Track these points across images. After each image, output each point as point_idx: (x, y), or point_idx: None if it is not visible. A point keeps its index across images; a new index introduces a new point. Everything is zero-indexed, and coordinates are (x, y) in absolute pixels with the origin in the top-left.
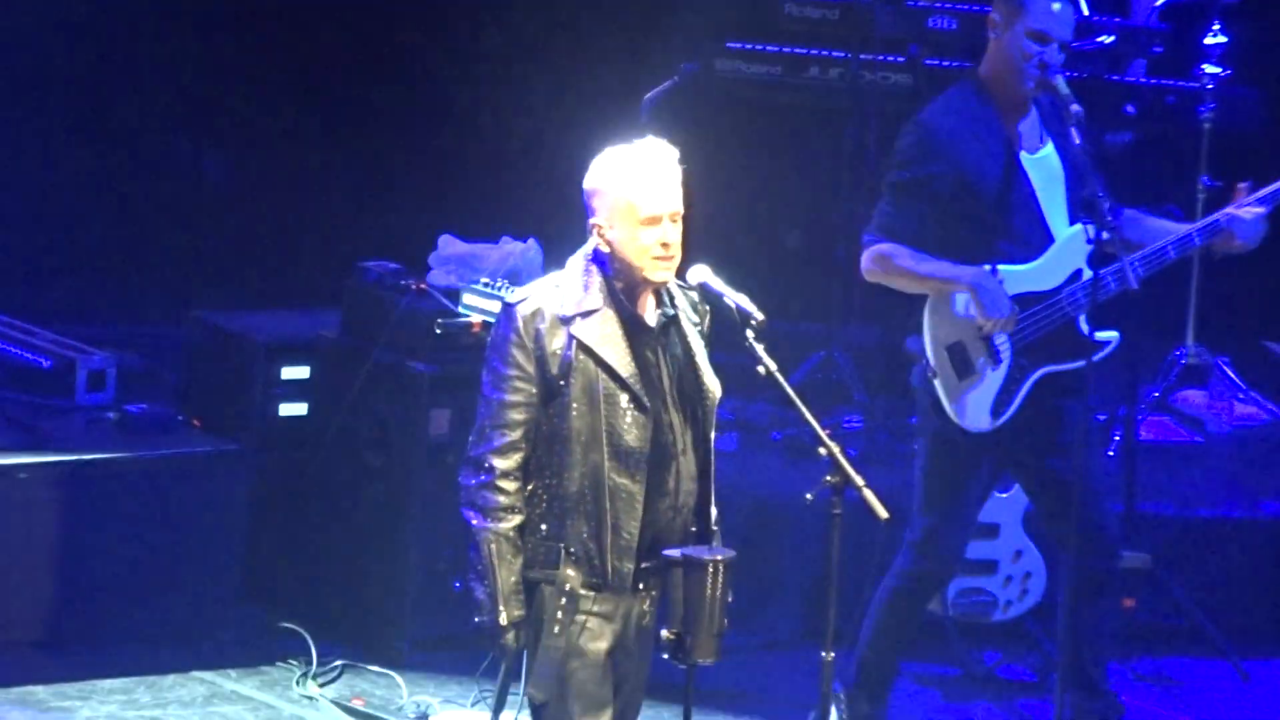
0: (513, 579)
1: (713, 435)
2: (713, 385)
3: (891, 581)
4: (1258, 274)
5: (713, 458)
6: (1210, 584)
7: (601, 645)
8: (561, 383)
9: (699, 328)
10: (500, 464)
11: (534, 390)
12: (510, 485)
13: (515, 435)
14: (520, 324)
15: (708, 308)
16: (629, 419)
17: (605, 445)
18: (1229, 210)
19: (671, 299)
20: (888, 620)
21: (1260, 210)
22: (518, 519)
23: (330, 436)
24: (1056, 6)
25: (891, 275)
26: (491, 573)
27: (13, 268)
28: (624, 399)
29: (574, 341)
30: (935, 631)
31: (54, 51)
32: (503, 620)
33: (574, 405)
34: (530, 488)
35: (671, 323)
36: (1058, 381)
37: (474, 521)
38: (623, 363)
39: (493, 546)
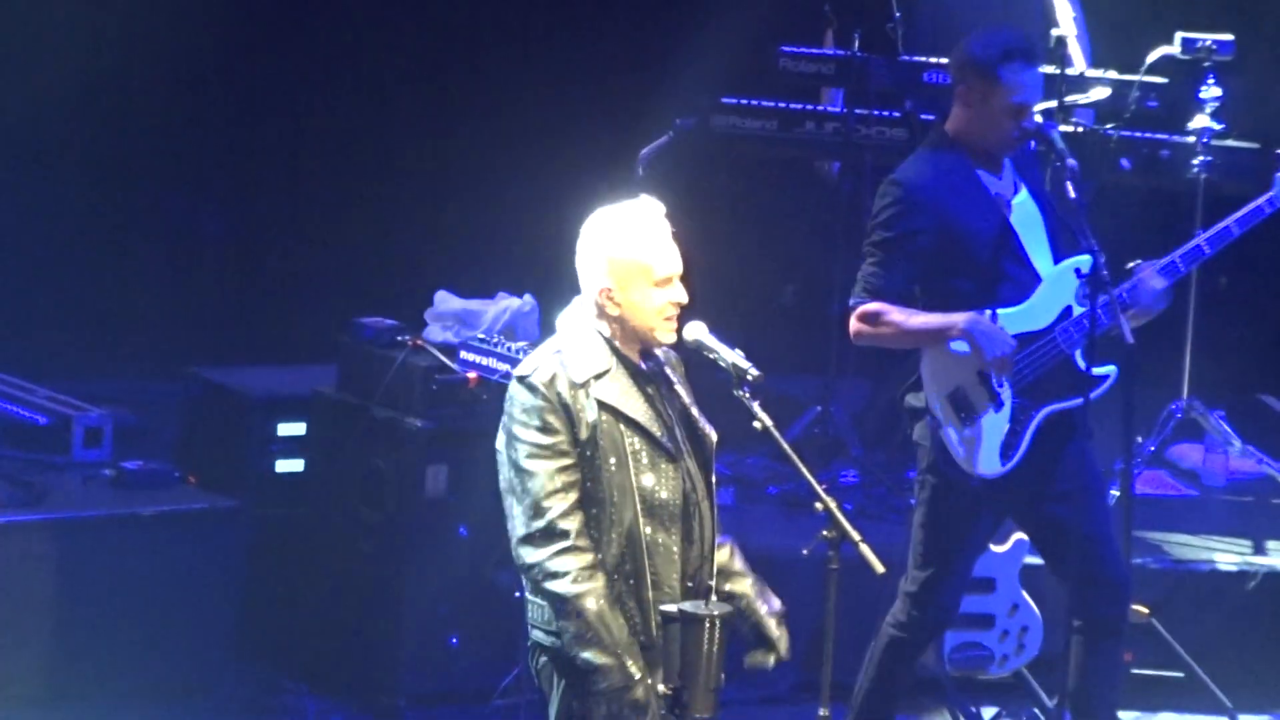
0: (625, 632)
1: (714, 480)
2: (709, 430)
3: (887, 633)
4: (1253, 328)
5: (716, 503)
6: (1207, 637)
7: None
8: (589, 446)
9: (679, 375)
10: (571, 526)
11: (575, 452)
12: (587, 544)
13: (575, 496)
14: (545, 391)
15: (680, 359)
16: (661, 473)
17: (637, 501)
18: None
19: (653, 350)
20: (883, 672)
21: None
22: (604, 577)
23: (327, 492)
24: (1032, 77)
25: (881, 334)
26: (605, 632)
27: (9, 324)
28: (651, 453)
29: (595, 403)
30: (932, 687)
31: (50, 109)
32: (635, 673)
33: (603, 466)
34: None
35: (661, 371)
36: (1063, 426)
37: (564, 590)
38: (647, 418)
39: (597, 607)
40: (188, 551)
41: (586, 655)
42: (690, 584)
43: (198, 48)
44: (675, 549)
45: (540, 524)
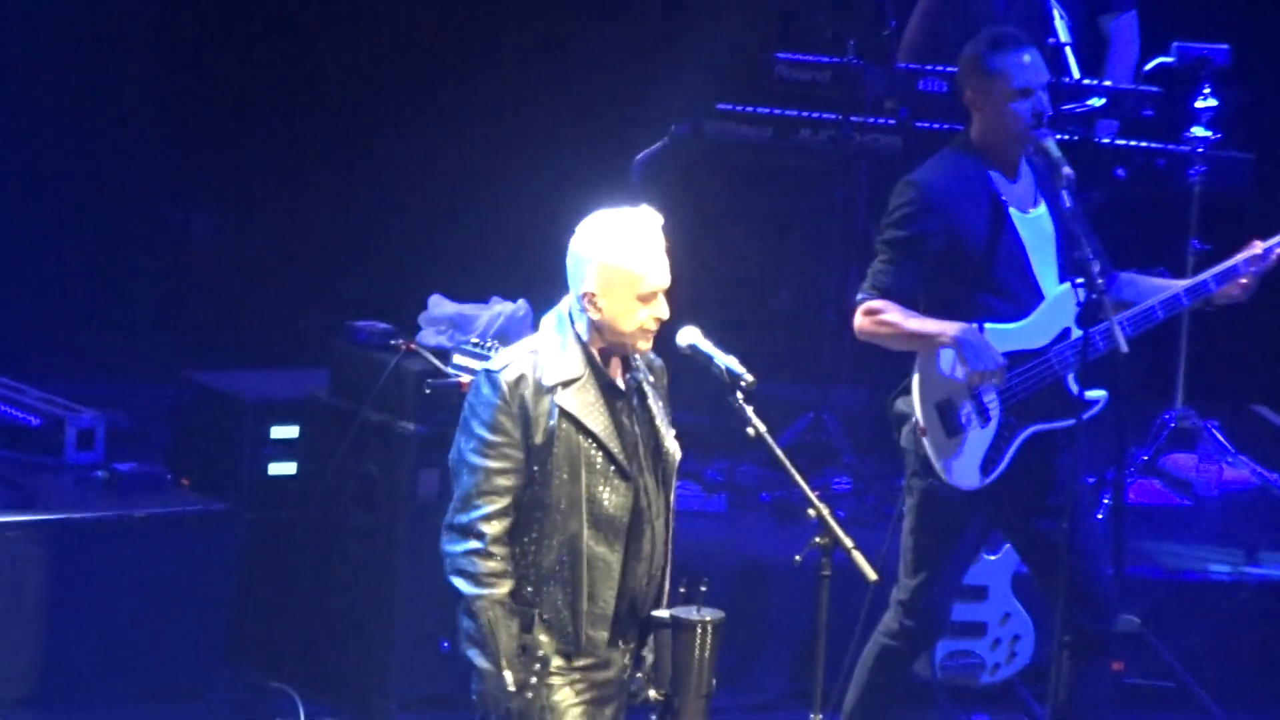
0: (513, 644)
1: (672, 498)
2: (673, 448)
3: (878, 641)
4: (1247, 337)
5: (673, 521)
6: (1198, 647)
7: (576, 711)
8: (543, 451)
9: (656, 389)
10: (490, 530)
11: (521, 457)
12: (501, 550)
13: (504, 502)
14: (506, 391)
15: (663, 368)
16: (610, 487)
17: (585, 514)
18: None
19: (635, 360)
20: (874, 680)
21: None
22: (510, 584)
23: (319, 496)
24: (1027, 58)
25: (880, 332)
26: (491, 639)
27: (2, 325)
28: (608, 468)
29: (557, 410)
30: (923, 695)
31: (43, 113)
32: (509, 686)
33: (555, 474)
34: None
35: (637, 385)
36: (1047, 441)
37: (466, 589)
38: (606, 431)
39: (489, 614)
40: (180, 554)
41: (470, 654)
42: (634, 601)
43: (189, 53)
44: (615, 565)
45: (463, 519)
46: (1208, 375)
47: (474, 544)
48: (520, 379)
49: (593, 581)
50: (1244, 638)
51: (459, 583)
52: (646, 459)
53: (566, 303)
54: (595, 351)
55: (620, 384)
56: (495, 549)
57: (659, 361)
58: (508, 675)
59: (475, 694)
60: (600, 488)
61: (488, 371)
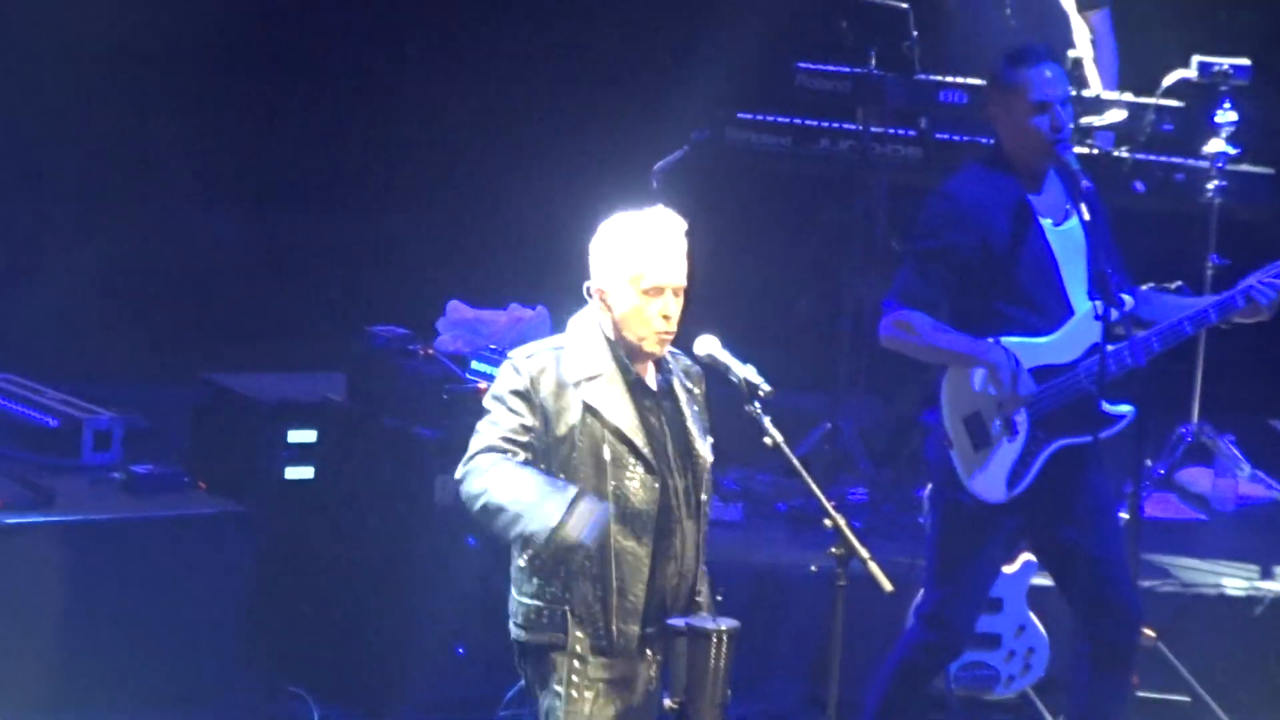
0: (533, 485)
1: (705, 501)
2: (704, 452)
3: (900, 653)
4: (1263, 351)
5: (706, 524)
6: (1213, 661)
7: (609, 711)
8: (566, 446)
9: (692, 395)
10: (498, 445)
11: (535, 426)
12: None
13: (519, 456)
14: (527, 379)
15: (701, 375)
16: (637, 482)
17: (613, 508)
18: (1248, 284)
19: (668, 364)
20: (895, 692)
21: None
22: (523, 456)
23: (336, 500)
24: (1048, 73)
25: (910, 344)
26: (514, 503)
27: (21, 326)
28: (632, 462)
29: (581, 405)
30: (937, 705)
31: (65, 113)
32: (552, 520)
33: (580, 468)
34: (531, 551)
35: (669, 387)
36: (1074, 454)
37: (475, 487)
38: (631, 426)
39: (500, 472)
40: (196, 556)
41: (516, 533)
42: (664, 599)
43: (214, 57)
44: (644, 559)
45: (464, 461)
46: (1224, 389)
47: (478, 453)
48: (543, 370)
49: (622, 576)
50: (1259, 652)
51: (469, 493)
52: (677, 459)
53: (593, 303)
54: (622, 350)
55: (651, 383)
56: (504, 446)
57: (697, 369)
58: (549, 511)
59: (551, 555)
60: (626, 481)
61: (510, 360)
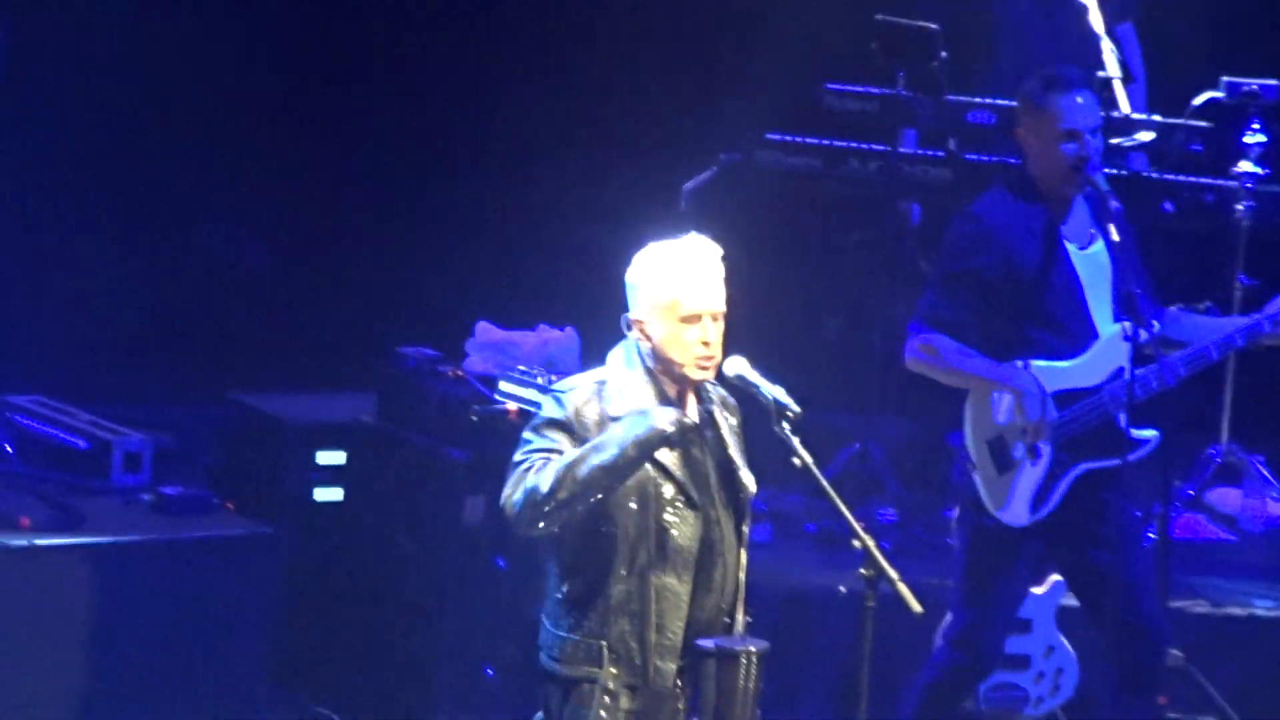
0: (582, 443)
1: (746, 530)
2: (748, 481)
3: (928, 675)
4: None
5: (745, 552)
6: (1243, 682)
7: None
8: None
9: (729, 423)
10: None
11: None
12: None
13: None
14: (572, 412)
15: (736, 406)
16: (679, 518)
17: (653, 544)
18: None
19: (707, 393)
20: (924, 713)
21: None
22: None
23: (365, 521)
24: (1080, 100)
25: (935, 368)
26: (588, 449)
27: (51, 348)
28: (674, 497)
29: None
30: None
31: (91, 133)
32: (658, 423)
33: (624, 504)
34: (569, 586)
35: (710, 418)
36: (1098, 477)
37: (538, 479)
38: (673, 460)
39: (558, 457)
40: (225, 577)
41: (585, 464)
42: (699, 632)
43: (239, 76)
44: (684, 596)
45: (509, 487)
46: (1253, 410)
47: (514, 484)
48: (587, 403)
49: (661, 612)
50: None
51: (536, 493)
52: (719, 490)
53: (632, 335)
54: (663, 382)
55: (691, 414)
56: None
57: (733, 401)
58: (589, 439)
59: (638, 446)
60: (669, 518)
61: (555, 393)
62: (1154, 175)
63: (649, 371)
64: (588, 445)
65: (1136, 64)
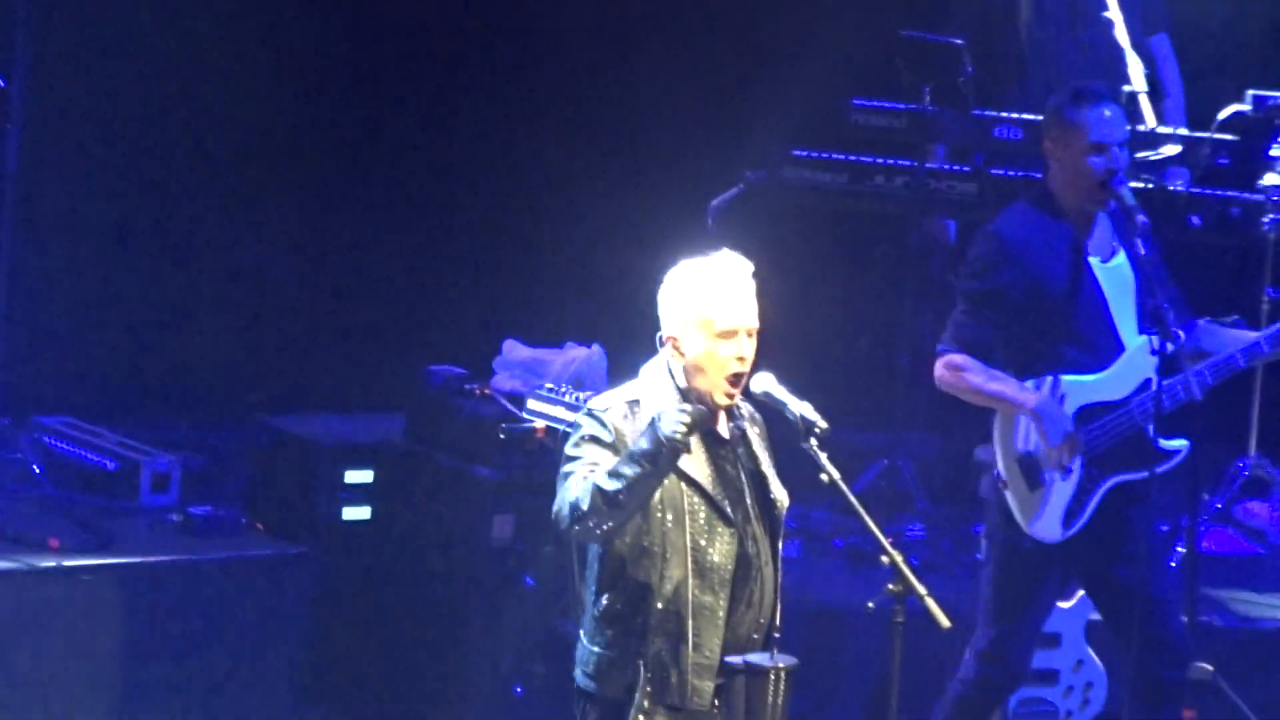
0: (620, 454)
1: (780, 545)
2: (781, 495)
3: (957, 690)
4: None
5: (780, 567)
6: (1271, 695)
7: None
8: None
9: (761, 436)
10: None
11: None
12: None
13: None
14: (611, 427)
15: (761, 418)
16: (715, 536)
17: (689, 562)
18: None
19: (738, 410)
20: None
21: None
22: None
23: (393, 540)
24: (1107, 113)
25: (961, 387)
26: (627, 462)
27: (80, 369)
28: (709, 514)
29: None
30: None
31: (116, 153)
32: (665, 431)
33: (659, 521)
34: (606, 602)
35: (743, 434)
36: (1127, 490)
37: (581, 503)
38: (707, 478)
39: (596, 477)
40: (254, 598)
41: (621, 472)
42: (737, 649)
43: (265, 97)
44: (720, 613)
45: (557, 506)
46: None
47: (567, 502)
48: (624, 420)
49: (698, 630)
50: None
51: (578, 506)
52: (754, 506)
53: (665, 352)
54: (695, 399)
55: (724, 432)
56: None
57: (759, 416)
58: (625, 450)
59: (665, 445)
60: (704, 536)
61: (591, 410)
62: (1180, 189)
63: (679, 390)
64: (615, 463)
65: (1172, 76)
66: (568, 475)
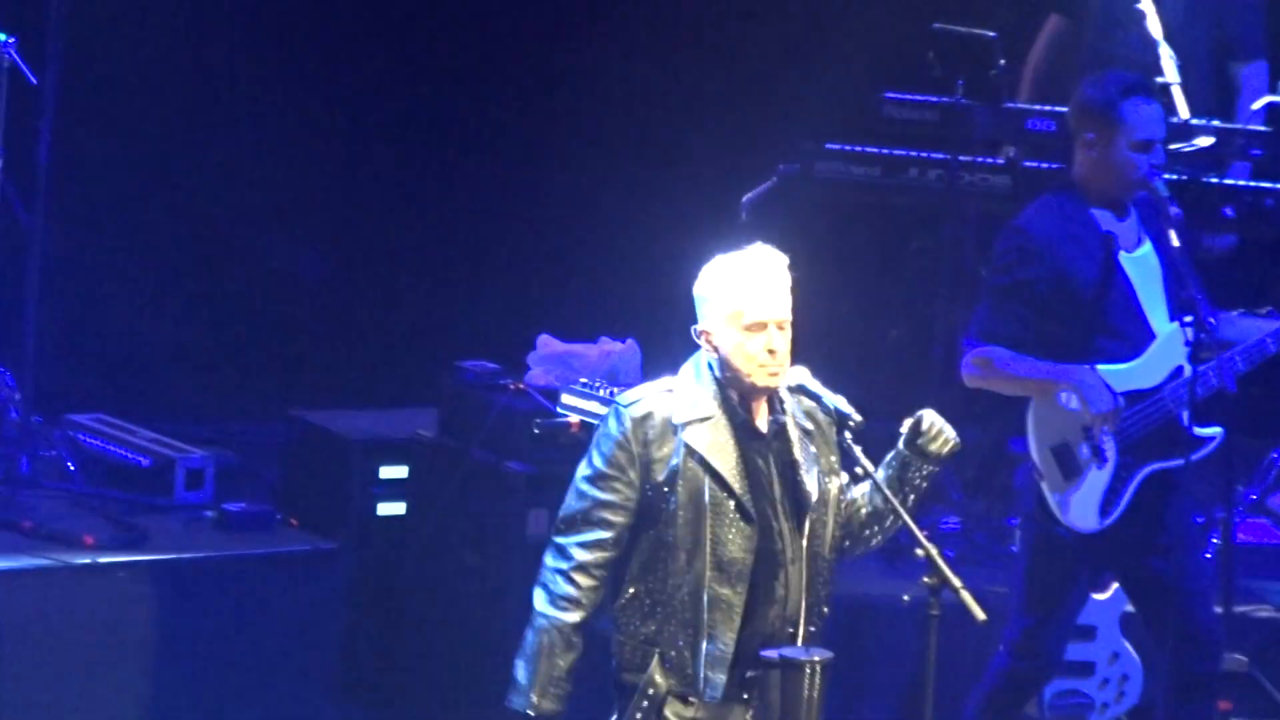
0: (555, 673)
1: (827, 539)
2: (810, 489)
3: (990, 682)
4: None
5: (825, 564)
6: None
7: None
8: (667, 490)
9: (810, 435)
10: (582, 557)
11: (632, 495)
12: (585, 581)
13: (605, 535)
14: (630, 426)
15: (829, 421)
16: (734, 529)
17: (709, 554)
18: None
19: (782, 404)
20: None
21: None
22: (580, 615)
23: (427, 536)
24: (1154, 110)
25: (992, 379)
26: (537, 660)
27: (113, 366)
28: (731, 508)
29: (683, 448)
30: None
31: (148, 150)
32: (531, 711)
33: (680, 513)
34: (632, 591)
35: (782, 428)
36: (1162, 479)
37: (538, 604)
38: (731, 471)
39: (546, 637)
40: (288, 593)
41: (515, 664)
42: (764, 644)
43: (297, 94)
44: (737, 607)
45: (561, 540)
46: None
47: (563, 564)
48: (647, 416)
49: (713, 623)
50: None
51: (537, 594)
52: (784, 502)
53: (702, 345)
54: (734, 393)
55: (762, 426)
56: (579, 577)
57: (824, 415)
58: (533, 697)
59: (504, 708)
60: (723, 529)
61: (617, 406)
62: (1214, 180)
63: (718, 382)
64: (539, 651)
65: (1249, 107)
66: (579, 490)
